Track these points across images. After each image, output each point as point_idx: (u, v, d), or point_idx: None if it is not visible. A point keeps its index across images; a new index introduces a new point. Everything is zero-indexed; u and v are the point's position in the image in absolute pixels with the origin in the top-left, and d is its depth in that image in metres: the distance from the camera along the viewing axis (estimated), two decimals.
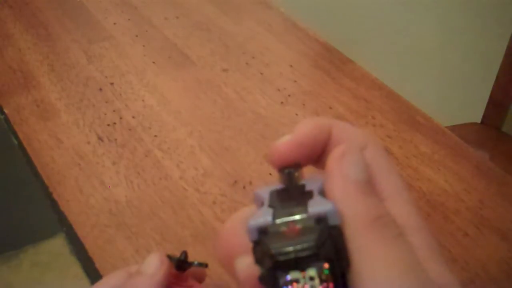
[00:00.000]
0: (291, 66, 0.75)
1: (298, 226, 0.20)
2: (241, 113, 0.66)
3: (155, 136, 0.63)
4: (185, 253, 0.38)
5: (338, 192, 0.22)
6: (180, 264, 0.37)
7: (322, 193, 0.23)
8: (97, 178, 0.57)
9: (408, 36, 1.43)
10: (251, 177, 0.58)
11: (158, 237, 0.51)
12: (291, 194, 0.23)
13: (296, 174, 0.24)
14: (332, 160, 0.23)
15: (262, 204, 0.23)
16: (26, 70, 0.72)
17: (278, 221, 0.21)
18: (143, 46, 0.78)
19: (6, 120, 0.65)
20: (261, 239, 0.21)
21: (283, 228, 0.21)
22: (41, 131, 0.63)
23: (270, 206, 0.22)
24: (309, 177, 0.24)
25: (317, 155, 0.26)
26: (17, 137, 0.62)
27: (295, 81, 0.72)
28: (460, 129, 1.10)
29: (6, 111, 0.66)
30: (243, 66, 0.74)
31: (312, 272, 0.19)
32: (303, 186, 0.23)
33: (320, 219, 0.21)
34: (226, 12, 0.86)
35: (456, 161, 0.61)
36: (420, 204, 0.56)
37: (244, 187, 0.57)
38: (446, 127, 0.66)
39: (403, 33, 1.43)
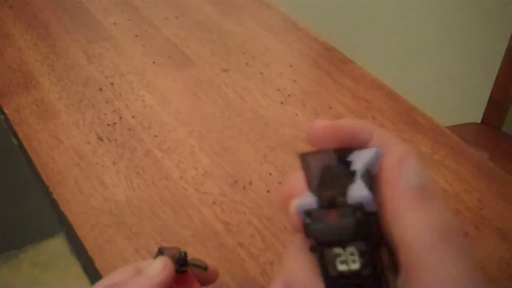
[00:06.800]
0: (291, 66, 0.75)
1: (338, 214, 0.24)
2: (241, 113, 0.66)
3: (155, 136, 0.63)
4: (183, 255, 0.38)
5: (398, 202, 0.23)
6: (177, 268, 0.37)
7: (366, 172, 0.24)
8: (97, 178, 0.57)
9: (408, 36, 1.43)
10: (251, 177, 0.58)
11: (158, 237, 0.51)
12: (336, 173, 0.25)
13: (341, 157, 0.26)
14: (389, 167, 0.24)
15: (308, 174, 0.26)
16: (26, 70, 0.72)
17: (321, 205, 0.24)
18: (143, 46, 0.78)
19: (6, 120, 0.65)
20: (306, 220, 0.24)
21: (325, 213, 0.24)
22: (41, 131, 0.63)
23: (316, 187, 0.25)
24: (358, 152, 0.26)
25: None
26: (17, 137, 0.62)
27: (295, 81, 0.72)
28: (460, 129, 1.10)
29: (6, 111, 0.66)
30: (243, 66, 0.74)
31: (351, 249, 0.23)
32: (349, 163, 0.25)
33: (357, 208, 0.23)
34: (226, 12, 0.86)
35: (456, 161, 0.61)
36: None
37: (244, 187, 0.57)
38: (446, 127, 0.66)
39: (403, 33, 1.43)
